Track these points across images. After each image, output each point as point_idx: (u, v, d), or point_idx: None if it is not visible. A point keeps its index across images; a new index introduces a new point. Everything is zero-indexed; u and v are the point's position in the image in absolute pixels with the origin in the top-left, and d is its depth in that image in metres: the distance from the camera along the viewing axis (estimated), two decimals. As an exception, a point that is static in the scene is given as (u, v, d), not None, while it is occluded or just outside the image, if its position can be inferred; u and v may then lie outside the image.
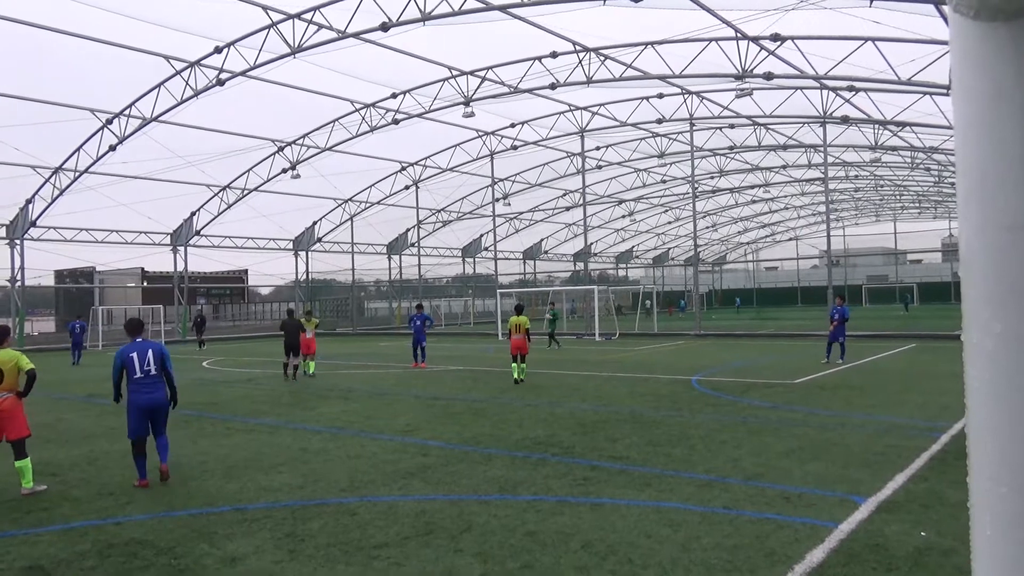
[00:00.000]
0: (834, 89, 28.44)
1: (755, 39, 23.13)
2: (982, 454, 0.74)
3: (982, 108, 0.72)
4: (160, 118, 29.19)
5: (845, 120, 31.43)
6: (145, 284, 51.81)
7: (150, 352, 8.35)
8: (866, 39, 21.95)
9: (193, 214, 41.11)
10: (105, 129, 30.73)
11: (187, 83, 27.04)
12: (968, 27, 0.74)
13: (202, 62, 26.16)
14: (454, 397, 14.74)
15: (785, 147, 39.51)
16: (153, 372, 8.31)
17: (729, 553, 5.54)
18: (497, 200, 44.10)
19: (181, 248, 42.32)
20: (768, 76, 24.51)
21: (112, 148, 30.91)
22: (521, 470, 8.38)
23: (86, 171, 32.90)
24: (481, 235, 55.46)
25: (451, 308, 58.54)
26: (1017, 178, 0.71)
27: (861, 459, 8.41)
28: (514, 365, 16.80)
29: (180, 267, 42.81)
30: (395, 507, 7.05)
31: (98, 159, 31.86)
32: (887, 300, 66.25)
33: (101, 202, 34.61)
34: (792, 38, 22.82)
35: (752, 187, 53.32)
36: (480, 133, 37.69)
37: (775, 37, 22.73)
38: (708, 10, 20.91)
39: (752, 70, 24.25)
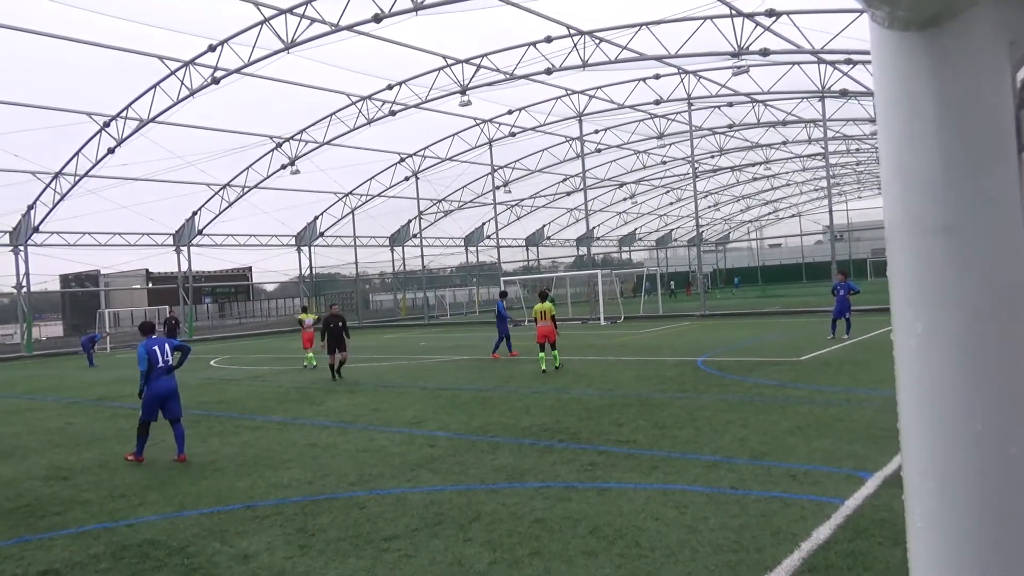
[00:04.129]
0: (832, 63, 28.26)
1: (750, 15, 22.98)
2: (911, 450, 0.76)
3: (899, 115, 0.73)
4: (157, 119, 29.18)
5: (844, 93, 31.24)
6: (150, 285, 51.92)
7: (167, 345, 9.71)
8: (862, 10, 21.74)
9: (195, 213, 41.15)
10: (103, 132, 30.73)
11: (182, 83, 27.03)
12: (884, 35, 0.75)
13: (196, 61, 26.13)
14: (461, 387, 14.79)
15: (784, 123, 39.32)
16: (172, 363, 9.65)
17: (736, 533, 5.57)
18: (497, 188, 44.02)
19: (184, 248, 42.41)
20: (764, 52, 24.37)
21: (111, 151, 30.91)
22: (528, 457, 8.42)
23: (86, 175, 32.93)
24: (483, 223, 55.39)
25: (456, 297, 58.56)
26: (933, 184, 0.72)
27: (867, 435, 8.42)
28: (541, 355, 16.10)
29: (184, 267, 42.95)
30: (404, 499, 7.10)
31: (97, 162, 31.88)
32: (893, 273, 65.89)
33: (103, 205, 34.70)
34: (787, 13, 22.66)
35: (753, 165, 53.12)
36: (478, 121, 37.58)
37: (770, 13, 22.59)
38: (702, -12, 20.81)
39: (748, 47, 24.11)
